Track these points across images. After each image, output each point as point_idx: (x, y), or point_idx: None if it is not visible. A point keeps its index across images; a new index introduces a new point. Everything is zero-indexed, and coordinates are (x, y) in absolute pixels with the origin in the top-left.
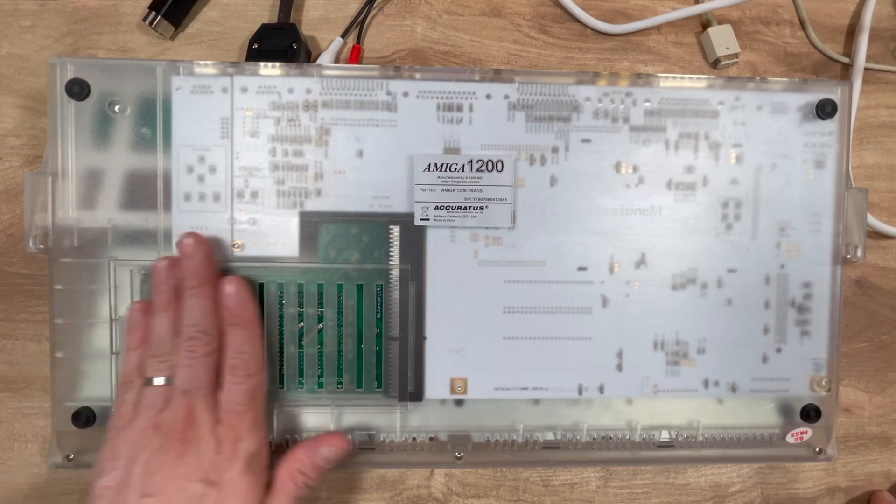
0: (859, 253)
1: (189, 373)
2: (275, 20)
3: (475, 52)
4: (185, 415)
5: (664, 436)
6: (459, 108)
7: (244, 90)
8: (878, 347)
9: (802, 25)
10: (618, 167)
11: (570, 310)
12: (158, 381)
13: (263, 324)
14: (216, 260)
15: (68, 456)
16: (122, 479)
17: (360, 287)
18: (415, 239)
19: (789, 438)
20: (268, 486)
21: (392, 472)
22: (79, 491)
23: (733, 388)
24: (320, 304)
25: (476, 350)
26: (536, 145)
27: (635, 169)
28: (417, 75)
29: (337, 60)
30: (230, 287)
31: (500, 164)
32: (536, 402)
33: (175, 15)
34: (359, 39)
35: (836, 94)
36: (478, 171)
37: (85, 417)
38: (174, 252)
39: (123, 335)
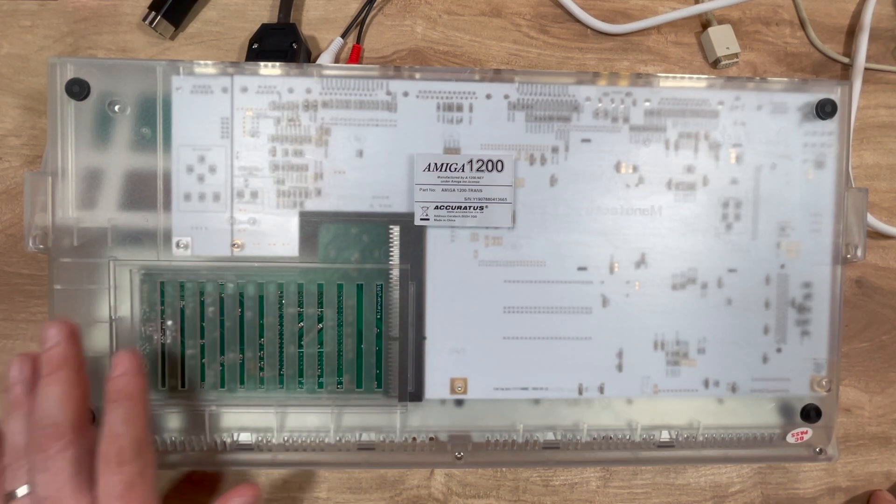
0: (859, 253)
1: (44, 477)
2: (275, 20)
3: (475, 52)
4: None
5: (664, 436)
6: (459, 108)
7: (244, 90)
8: (878, 347)
9: (802, 25)
10: (618, 167)
11: (570, 310)
12: (21, 490)
13: (147, 400)
14: (80, 344)
15: None
16: None
17: (360, 287)
18: (415, 239)
19: (789, 438)
20: None
21: (392, 472)
22: None
23: (733, 388)
24: (320, 304)
25: (476, 350)
26: (536, 145)
27: (635, 169)
28: (417, 75)
29: (337, 60)
30: (123, 361)
31: (500, 164)
32: (536, 402)
33: (175, 15)
34: (359, 39)
35: (836, 94)
36: (478, 171)
37: None
38: (175, 252)
39: (118, 340)
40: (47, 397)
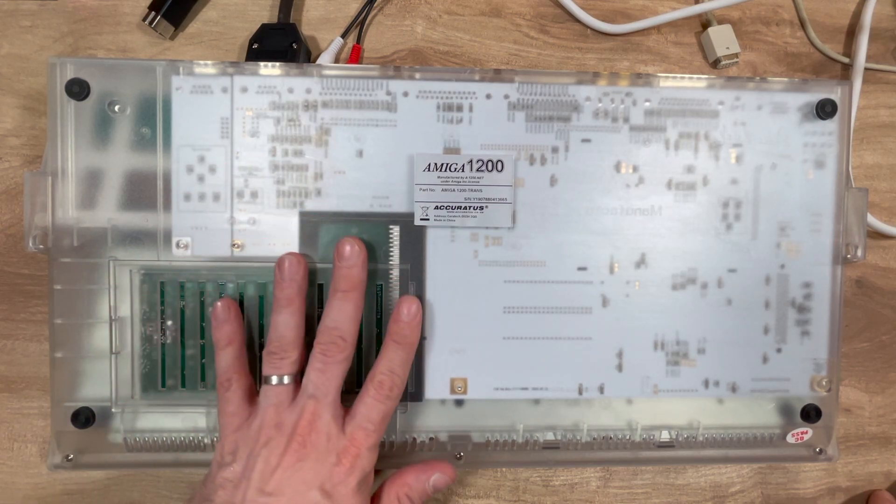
0: (859, 253)
1: (319, 377)
2: (275, 20)
3: (475, 52)
4: (310, 419)
5: (664, 436)
6: (459, 108)
7: (244, 90)
8: (878, 347)
9: (802, 25)
10: (618, 167)
11: (570, 310)
12: (275, 380)
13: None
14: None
15: (68, 456)
16: (242, 472)
17: None
18: (415, 239)
19: (789, 438)
20: None
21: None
22: (79, 491)
23: (733, 389)
24: (320, 305)
25: (476, 350)
26: (536, 145)
27: (635, 169)
28: (417, 75)
29: (337, 60)
30: (412, 307)
31: (500, 164)
32: (536, 402)
33: (175, 15)
34: (359, 39)
35: (836, 94)
36: (478, 171)
37: (84, 417)
38: (175, 252)
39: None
40: (341, 310)
